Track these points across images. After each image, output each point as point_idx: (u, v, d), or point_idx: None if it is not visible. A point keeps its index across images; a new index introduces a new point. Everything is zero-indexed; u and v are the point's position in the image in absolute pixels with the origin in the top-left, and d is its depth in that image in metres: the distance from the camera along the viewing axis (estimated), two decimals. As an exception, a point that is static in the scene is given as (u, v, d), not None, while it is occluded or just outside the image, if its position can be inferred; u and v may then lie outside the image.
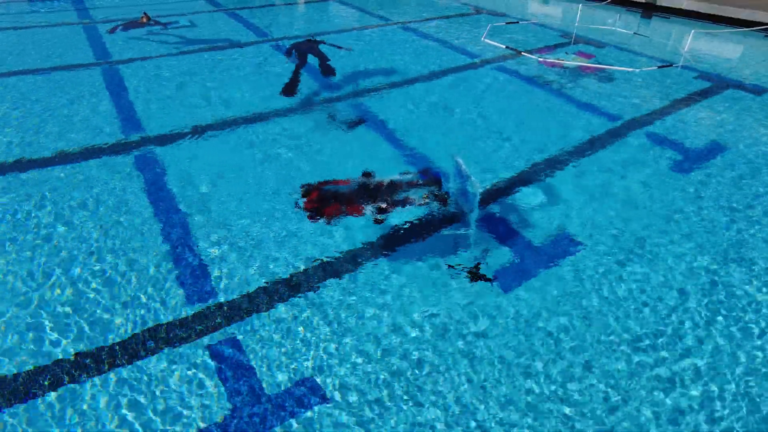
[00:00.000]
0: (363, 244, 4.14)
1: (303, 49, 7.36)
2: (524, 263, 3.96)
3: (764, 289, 3.74)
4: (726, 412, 2.87)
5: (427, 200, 4.51)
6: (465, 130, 6.25)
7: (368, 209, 4.35)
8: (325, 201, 4.55)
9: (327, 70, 7.35)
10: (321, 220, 4.36)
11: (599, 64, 8.53)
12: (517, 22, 11.54)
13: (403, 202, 4.49)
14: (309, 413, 2.83)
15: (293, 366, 3.11)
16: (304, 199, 4.59)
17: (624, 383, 3.02)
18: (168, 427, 2.76)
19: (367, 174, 4.55)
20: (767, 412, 2.85)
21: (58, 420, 2.79)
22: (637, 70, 8.22)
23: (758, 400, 2.93)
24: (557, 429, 2.77)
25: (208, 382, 3.00)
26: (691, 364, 3.14)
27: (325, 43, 7.50)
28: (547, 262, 3.97)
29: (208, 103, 6.92)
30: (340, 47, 7.34)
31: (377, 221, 4.28)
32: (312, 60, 7.69)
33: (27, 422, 2.78)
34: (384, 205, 4.38)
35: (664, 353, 3.21)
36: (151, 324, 3.39)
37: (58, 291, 3.65)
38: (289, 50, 7.46)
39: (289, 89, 7.10)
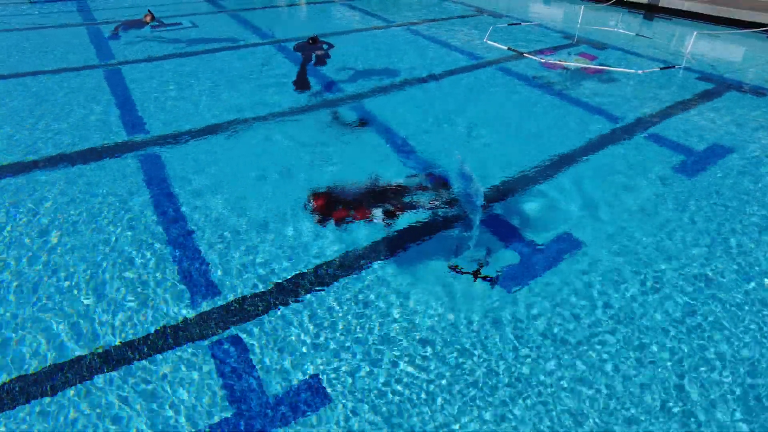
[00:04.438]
0: (367, 246, 4.14)
1: (307, 47, 7.43)
2: (526, 264, 3.96)
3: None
4: None
5: (435, 203, 4.51)
6: (467, 132, 6.25)
7: (376, 213, 4.35)
8: (333, 205, 4.56)
9: (320, 62, 7.44)
10: (329, 224, 4.36)
11: (601, 65, 8.53)
12: (519, 24, 11.55)
13: (411, 206, 4.50)
14: (312, 414, 2.84)
15: (295, 367, 3.12)
16: (312, 204, 4.60)
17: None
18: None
19: (371, 182, 4.57)
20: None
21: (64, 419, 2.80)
22: (640, 72, 8.22)
23: None
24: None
25: (215, 382, 3.01)
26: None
27: (327, 44, 7.57)
28: (549, 264, 3.97)
29: (210, 104, 6.93)
30: (332, 46, 7.50)
31: (387, 224, 4.29)
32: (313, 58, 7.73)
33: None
34: (392, 209, 4.39)
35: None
36: (154, 324, 3.40)
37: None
38: (297, 47, 7.54)
39: (300, 84, 7.16)
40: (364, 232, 4.27)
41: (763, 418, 2.83)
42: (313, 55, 7.38)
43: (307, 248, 4.12)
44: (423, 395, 2.96)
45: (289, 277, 3.82)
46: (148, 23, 10.32)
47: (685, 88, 7.66)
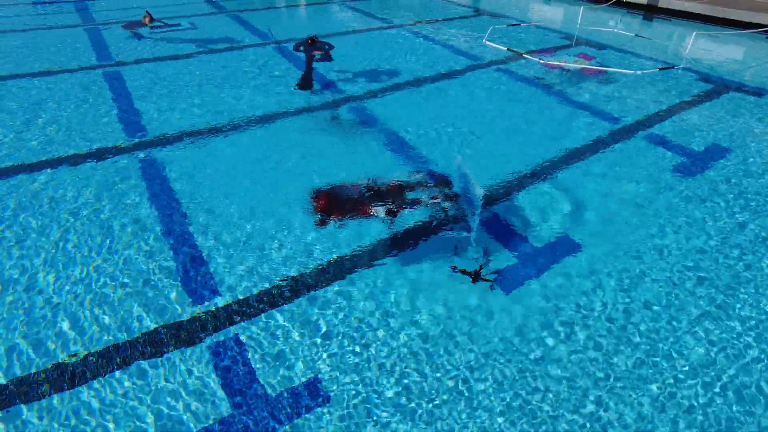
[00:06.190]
0: (367, 246, 4.14)
1: (307, 48, 7.47)
2: (525, 265, 3.96)
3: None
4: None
5: (436, 201, 4.51)
6: (466, 132, 6.25)
7: (377, 211, 4.35)
8: (334, 203, 4.56)
9: (326, 58, 7.51)
10: (330, 223, 4.36)
11: (601, 66, 8.54)
12: (519, 24, 11.55)
13: (412, 203, 4.50)
14: (310, 413, 2.84)
15: (292, 368, 3.11)
16: (314, 203, 4.60)
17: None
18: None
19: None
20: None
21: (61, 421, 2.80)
22: (639, 72, 8.23)
23: None
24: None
25: (216, 382, 3.01)
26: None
27: (327, 44, 7.60)
28: (547, 264, 3.97)
29: (209, 105, 6.93)
30: (332, 47, 7.58)
31: (388, 222, 4.29)
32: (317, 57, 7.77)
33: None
34: (393, 207, 4.39)
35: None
36: (155, 324, 3.40)
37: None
38: (297, 46, 7.58)
39: (303, 84, 7.25)
40: (364, 231, 4.27)
41: None
42: (315, 55, 7.44)
43: (309, 248, 4.12)
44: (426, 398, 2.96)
45: (290, 277, 3.82)
46: (147, 24, 10.33)
47: (684, 88, 7.66)
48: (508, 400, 2.94)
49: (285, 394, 2.94)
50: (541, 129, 6.36)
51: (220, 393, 2.95)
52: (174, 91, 7.39)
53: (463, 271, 3.80)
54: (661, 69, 8.40)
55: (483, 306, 3.57)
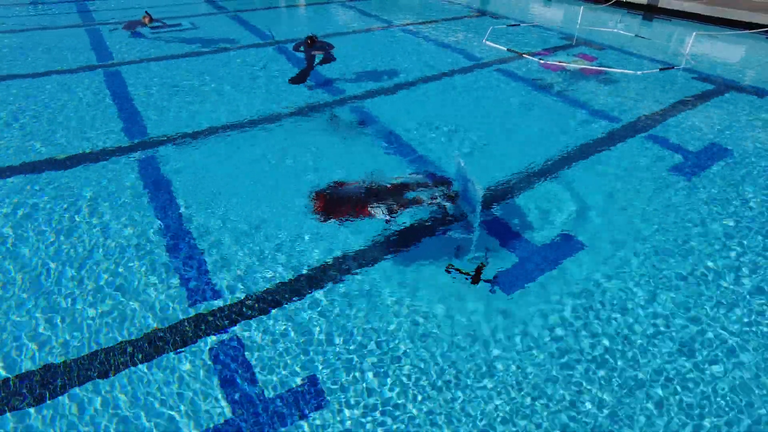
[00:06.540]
0: (366, 245, 4.14)
1: (306, 48, 7.48)
2: (525, 265, 3.96)
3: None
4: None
5: (436, 200, 4.51)
6: (466, 133, 6.25)
7: (378, 210, 4.36)
8: (334, 203, 4.56)
9: (326, 62, 7.55)
10: (331, 222, 4.37)
11: (601, 66, 8.54)
12: (518, 25, 11.56)
13: (413, 203, 4.50)
14: (309, 410, 2.85)
15: (288, 367, 3.11)
16: (314, 203, 4.61)
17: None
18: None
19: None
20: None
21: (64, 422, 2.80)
22: (639, 73, 8.23)
23: None
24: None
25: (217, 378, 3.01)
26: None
27: (327, 44, 7.61)
28: (547, 265, 3.97)
29: (209, 106, 6.93)
30: (332, 46, 7.62)
31: (387, 221, 4.29)
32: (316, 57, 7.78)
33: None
34: (393, 206, 4.39)
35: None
36: (156, 323, 3.40)
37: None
38: (296, 46, 7.61)
39: (298, 79, 7.34)
40: (363, 231, 4.27)
41: None
42: (316, 55, 7.47)
43: (309, 247, 4.12)
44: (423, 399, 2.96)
45: (290, 276, 3.82)
46: (147, 24, 10.33)
47: (684, 88, 7.66)
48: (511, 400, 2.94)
49: (283, 395, 2.95)
50: (540, 129, 6.36)
51: (221, 392, 2.95)
52: (174, 92, 7.39)
53: (461, 272, 3.80)
54: (661, 69, 8.41)
55: (483, 306, 3.57)
